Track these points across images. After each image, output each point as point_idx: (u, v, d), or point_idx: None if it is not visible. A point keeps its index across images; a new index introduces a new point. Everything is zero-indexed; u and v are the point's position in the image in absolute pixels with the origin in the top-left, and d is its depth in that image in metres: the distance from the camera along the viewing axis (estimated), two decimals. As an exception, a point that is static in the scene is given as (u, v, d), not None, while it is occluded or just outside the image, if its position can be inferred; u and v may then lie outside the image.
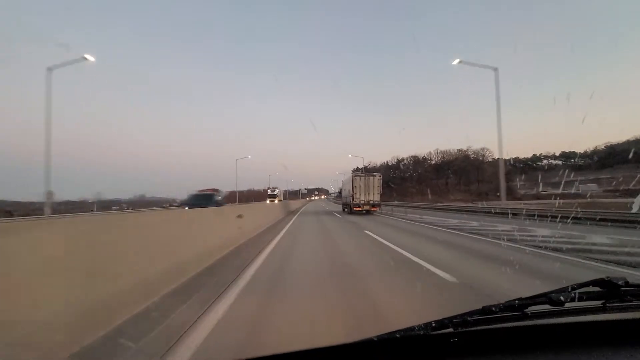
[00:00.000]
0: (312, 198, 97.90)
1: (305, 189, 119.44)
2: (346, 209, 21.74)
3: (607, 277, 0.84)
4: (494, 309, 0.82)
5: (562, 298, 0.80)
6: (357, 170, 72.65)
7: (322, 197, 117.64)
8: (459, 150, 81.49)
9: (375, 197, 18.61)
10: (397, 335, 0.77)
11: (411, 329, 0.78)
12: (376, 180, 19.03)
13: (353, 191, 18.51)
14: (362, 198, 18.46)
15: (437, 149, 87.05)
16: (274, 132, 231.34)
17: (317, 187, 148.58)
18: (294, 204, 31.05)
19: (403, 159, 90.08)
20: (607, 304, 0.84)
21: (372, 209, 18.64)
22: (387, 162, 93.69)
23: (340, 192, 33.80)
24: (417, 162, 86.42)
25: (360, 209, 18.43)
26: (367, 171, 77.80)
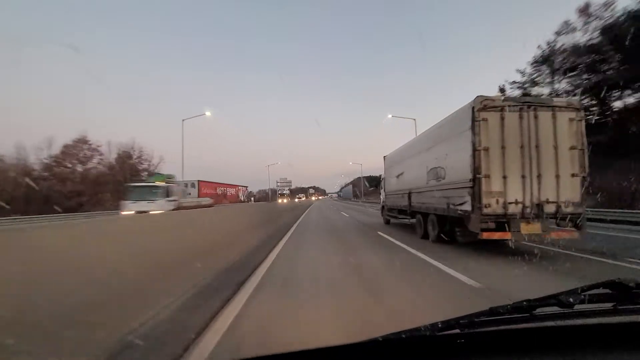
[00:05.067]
0: (300, 199, 57.30)
1: (297, 187, 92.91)
2: (402, 218, 9.43)
3: (618, 278, 0.83)
4: (501, 310, 0.81)
5: (571, 300, 0.78)
6: (502, 92, 22.04)
7: (314, 197, 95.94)
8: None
9: (570, 190, 4.84)
10: (403, 336, 0.75)
11: (417, 329, 0.77)
12: (567, 125, 4.87)
13: (475, 169, 4.82)
14: (519, 194, 4.79)
15: None
16: (271, 132, 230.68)
17: (312, 185, 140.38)
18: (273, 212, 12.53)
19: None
20: (618, 306, 0.83)
21: (565, 235, 4.86)
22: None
23: (374, 185, 11.12)
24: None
25: (504, 236, 4.79)
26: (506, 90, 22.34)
